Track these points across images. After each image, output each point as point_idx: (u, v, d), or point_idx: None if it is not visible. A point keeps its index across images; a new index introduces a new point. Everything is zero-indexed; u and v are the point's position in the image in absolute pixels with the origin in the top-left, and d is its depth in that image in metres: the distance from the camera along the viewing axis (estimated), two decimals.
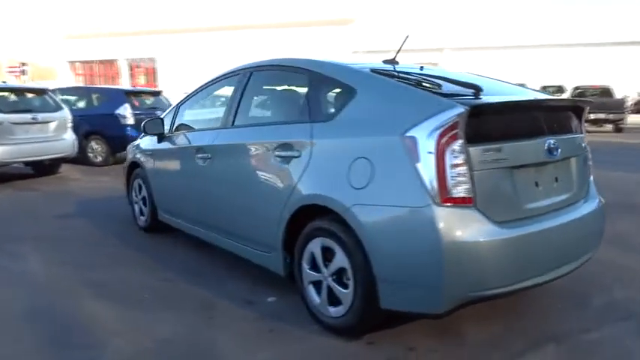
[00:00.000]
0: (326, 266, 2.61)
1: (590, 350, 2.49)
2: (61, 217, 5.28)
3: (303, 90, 2.96)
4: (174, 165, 4.00)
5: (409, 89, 2.41)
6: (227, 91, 3.71)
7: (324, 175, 2.57)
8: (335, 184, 2.49)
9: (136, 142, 4.90)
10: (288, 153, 2.79)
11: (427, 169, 2.16)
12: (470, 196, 2.18)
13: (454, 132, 2.17)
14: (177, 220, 4.11)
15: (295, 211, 2.73)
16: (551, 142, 2.50)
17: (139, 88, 10.40)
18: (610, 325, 2.74)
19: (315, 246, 2.66)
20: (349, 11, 30.62)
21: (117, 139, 9.16)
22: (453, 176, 2.16)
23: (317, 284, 2.71)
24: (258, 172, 3.04)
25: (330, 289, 2.60)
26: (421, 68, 2.97)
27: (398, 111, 2.36)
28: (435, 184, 2.15)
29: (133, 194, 4.80)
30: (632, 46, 29.20)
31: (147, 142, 4.49)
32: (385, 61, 3.09)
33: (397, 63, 3.04)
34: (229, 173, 3.30)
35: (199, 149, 3.58)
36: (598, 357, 2.44)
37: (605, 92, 16.72)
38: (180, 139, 3.95)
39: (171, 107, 4.31)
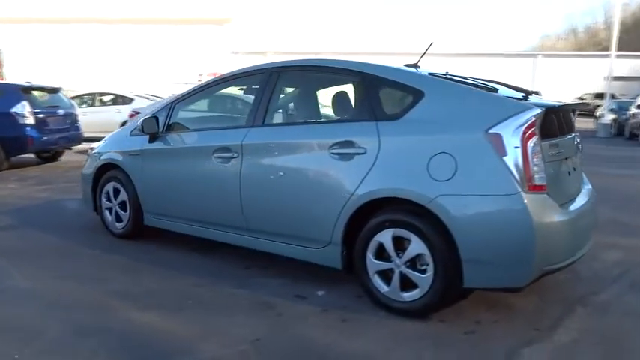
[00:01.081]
0: (398, 255, 2.81)
1: (606, 307, 3.04)
2: (5, 229, 4.65)
3: (354, 90, 3.11)
4: (177, 165, 3.81)
5: (480, 92, 2.73)
6: (236, 90, 3.67)
7: (400, 170, 2.76)
8: (414, 177, 2.70)
9: (103, 143, 4.53)
10: (350, 150, 2.92)
11: (514, 161, 2.50)
12: (544, 184, 2.56)
13: (533, 129, 2.54)
14: (175, 223, 3.93)
15: (361, 206, 2.87)
16: (577, 138, 3.01)
17: (37, 84, 9.26)
18: (607, 287, 3.34)
19: (385, 237, 2.83)
20: (226, 10, 30.24)
21: (14, 140, 8.12)
22: (533, 167, 2.52)
23: (383, 273, 2.89)
24: (309, 169, 3.11)
25: (402, 276, 2.80)
26: (446, 73, 3.30)
27: (475, 111, 2.66)
28: (523, 174, 2.49)
29: (104, 199, 4.44)
30: (502, 58, 33.87)
31: (129, 141, 4.20)
32: (407, 65, 3.37)
33: (419, 67, 3.34)
34: (268, 172, 3.29)
35: (221, 148, 3.49)
36: (615, 310, 2.98)
37: None
38: (186, 138, 3.80)
39: (162, 105, 4.10)
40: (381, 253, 2.88)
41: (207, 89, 3.90)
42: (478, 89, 2.76)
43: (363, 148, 2.89)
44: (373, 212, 2.90)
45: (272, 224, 3.33)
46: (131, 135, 4.24)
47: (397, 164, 2.78)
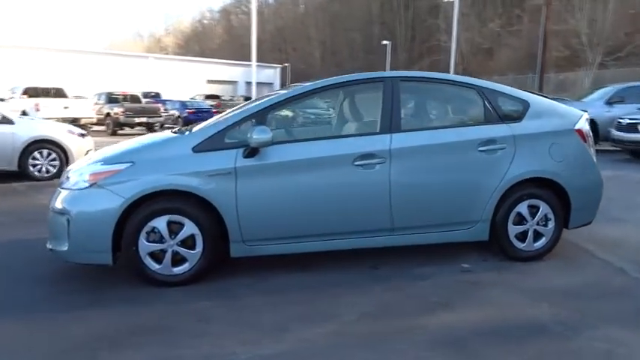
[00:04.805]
0: (532, 217, 3.92)
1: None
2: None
3: (475, 100, 3.92)
4: (302, 178, 3.45)
5: (555, 102, 4.14)
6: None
7: (534, 158, 3.86)
8: (545, 161, 3.88)
9: (126, 167, 3.32)
10: (495, 146, 3.79)
11: (589, 144, 4.07)
12: None
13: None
14: (287, 245, 3.55)
15: (511, 186, 3.81)
16: None
17: None
18: None
19: (522, 207, 3.89)
20: None
21: None
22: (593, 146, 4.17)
23: (519, 235, 3.93)
24: (462, 165, 3.73)
25: (536, 232, 3.95)
26: None
27: (562, 114, 4.06)
28: (594, 152, 4.10)
29: (144, 241, 3.31)
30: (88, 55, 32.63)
31: (200, 160, 3.36)
32: None
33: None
34: (421, 172, 3.65)
35: (364, 155, 3.54)
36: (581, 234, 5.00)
37: (136, 99, 18.58)
38: (307, 148, 3.53)
39: (244, 115, 3.50)
40: (516, 219, 3.91)
41: (311, 96, 3.66)
42: (550, 99, 4.17)
43: (502, 144, 3.81)
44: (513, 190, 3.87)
45: (424, 219, 3.73)
46: (195, 151, 3.39)
47: (530, 154, 3.86)
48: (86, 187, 3.32)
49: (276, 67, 46.26)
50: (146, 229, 3.32)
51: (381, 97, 3.72)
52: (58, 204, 3.42)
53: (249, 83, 40.40)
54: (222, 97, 32.56)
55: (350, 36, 55.38)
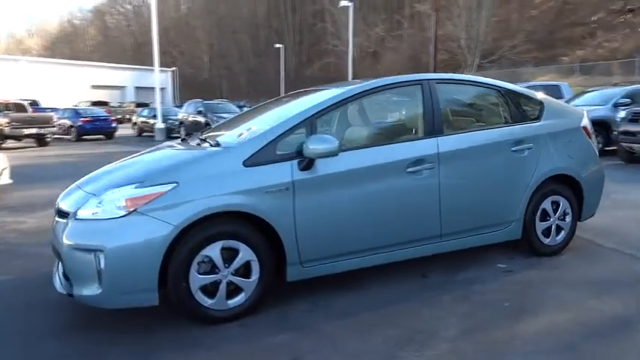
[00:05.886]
0: (554, 213, 4.06)
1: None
2: None
3: (501, 101, 3.95)
4: (361, 189, 3.20)
5: (562, 102, 4.32)
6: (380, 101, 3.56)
7: (556, 156, 3.99)
8: (564, 159, 4.03)
9: (170, 189, 2.80)
10: (524, 146, 3.85)
11: (593, 142, 4.32)
12: None
13: None
14: (342, 262, 3.27)
15: (540, 184, 3.90)
16: None
17: None
18: None
19: (547, 204, 4.01)
20: None
21: None
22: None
23: (545, 230, 4.04)
24: (500, 166, 3.74)
25: (557, 227, 4.09)
26: None
27: (570, 113, 4.25)
28: (597, 148, 4.35)
29: (195, 274, 2.84)
30: None
31: (254, 175, 2.96)
32: None
33: None
34: (466, 176, 3.59)
35: (416, 161, 3.38)
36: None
37: (21, 107, 16.34)
38: (362, 156, 3.27)
39: (291, 124, 3.15)
40: (541, 215, 4.02)
41: (353, 100, 3.39)
42: (557, 100, 4.35)
43: (530, 143, 3.89)
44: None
45: (469, 223, 3.67)
46: (246, 166, 2.98)
47: (552, 152, 3.99)
48: (123, 216, 2.75)
49: (167, 71, 43.90)
50: (198, 259, 2.84)
51: (420, 100, 3.60)
52: (78, 238, 2.79)
53: (138, 88, 37.92)
54: (111, 104, 30.29)
55: (238, 39, 54.66)
